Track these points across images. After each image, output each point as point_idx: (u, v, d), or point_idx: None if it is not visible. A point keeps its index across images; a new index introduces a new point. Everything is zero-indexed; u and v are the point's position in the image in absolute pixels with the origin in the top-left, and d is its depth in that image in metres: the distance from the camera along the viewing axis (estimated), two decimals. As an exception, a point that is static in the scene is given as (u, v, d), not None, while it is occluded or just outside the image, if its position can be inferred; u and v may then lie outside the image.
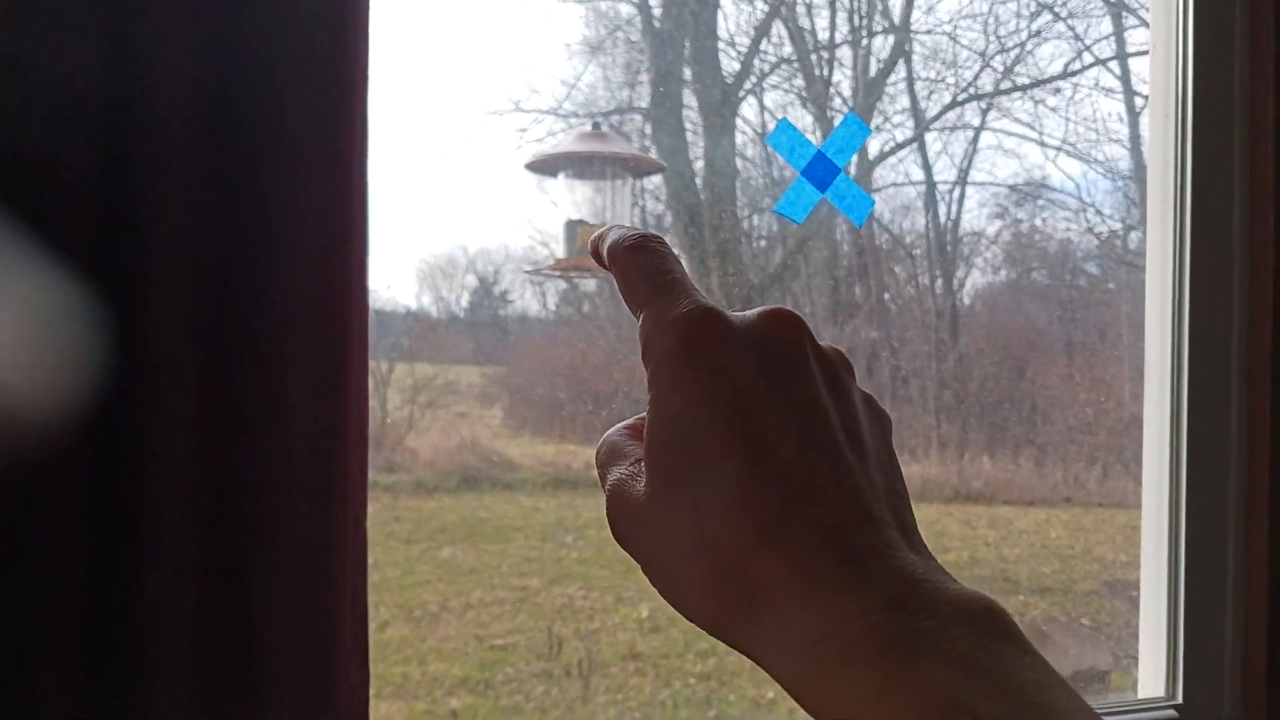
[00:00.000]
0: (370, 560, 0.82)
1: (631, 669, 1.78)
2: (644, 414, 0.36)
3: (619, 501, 0.31)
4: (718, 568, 0.28)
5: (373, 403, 0.81)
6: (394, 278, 1.75)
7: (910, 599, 0.26)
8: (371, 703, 0.81)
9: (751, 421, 0.29)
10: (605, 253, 0.36)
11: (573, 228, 1.50)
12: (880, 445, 0.32)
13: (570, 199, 1.51)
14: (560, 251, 1.55)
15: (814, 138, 1.03)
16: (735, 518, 0.28)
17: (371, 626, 0.81)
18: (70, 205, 0.69)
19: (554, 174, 1.53)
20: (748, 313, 0.31)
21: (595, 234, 0.37)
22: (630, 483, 0.31)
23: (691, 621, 0.29)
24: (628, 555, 0.32)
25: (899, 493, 0.31)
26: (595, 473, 0.35)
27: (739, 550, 0.27)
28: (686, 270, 0.34)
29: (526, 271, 1.72)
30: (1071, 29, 1.74)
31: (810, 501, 0.28)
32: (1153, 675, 1.31)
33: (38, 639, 0.68)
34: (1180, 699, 1.26)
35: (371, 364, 0.80)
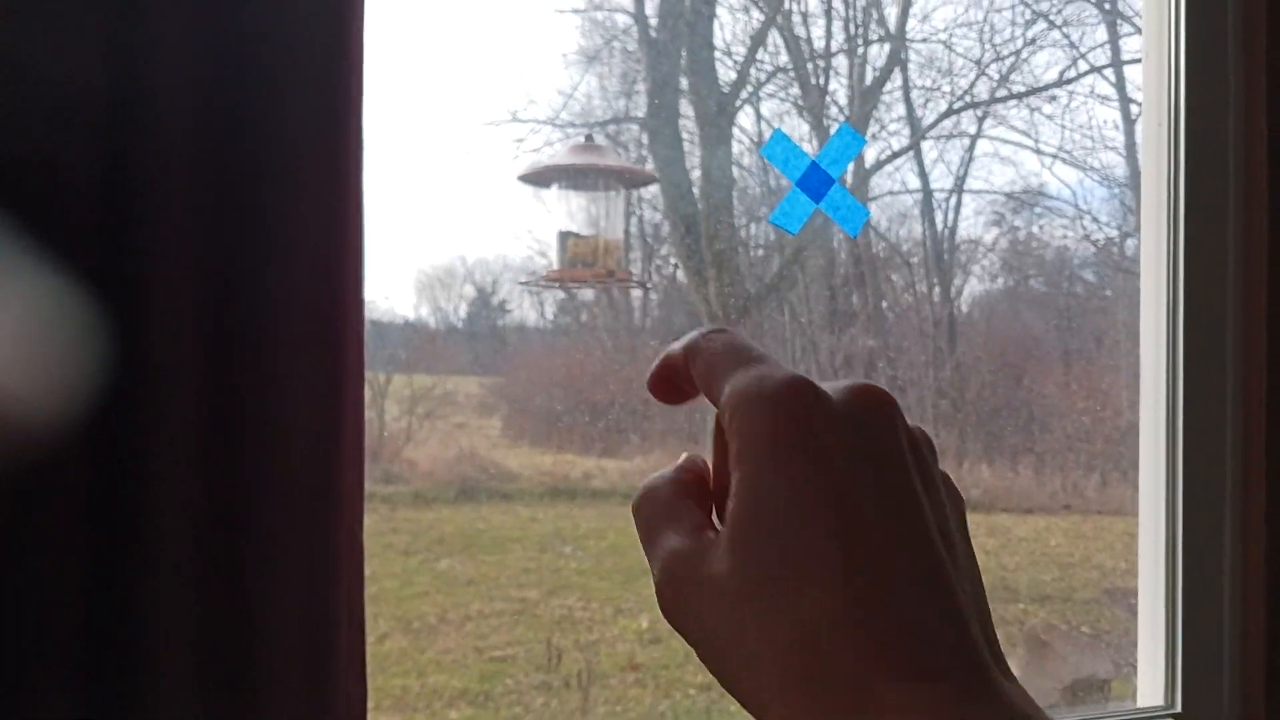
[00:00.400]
0: (368, 572, 0.81)
1: (631, 680, 1.77)
2: (686, 460, 0.35)
3: (681, 576, 0.30)
4: (824, 684, 0.26)
5: (371, 414, 0.81)
6: (392, 289, 1.75)
7: None
8: (371, 715, 0.81)
9: (861, 523, 0.28)
10: (684, 353, 0.33)
11: (564, 239, 1.50)
12: (963, 538, 0.31)
13: (565, 209, 1.51)
14: (557, 260, 1.55)
15: (810, 146, 1.03)
16: (849, 635, 0.26)
17: (370, 639, 0.81)
18: (70, 209, 0.69)
19: (547, 185, 1.53)
20: (838, 385, 0.30)
21: (672, 357, 0.34)
22: (699, 556, 0.29)
23: (759, 717, 0.28)
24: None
25: (982, 597, 0.31)
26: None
27: (851, 668, 0.26)
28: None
29: (522, 283, 1.72)
30: (1066, 37, 1.75)
31: (923, 625, 0.27)
32: (1152, 683, 1.30)
33: (38, 647, 0.68)
34: (1179, 707, 1.26)
35: (370, 375, 0.80)
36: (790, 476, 0.28)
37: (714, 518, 0.32)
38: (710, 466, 0.35)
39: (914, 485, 0.29)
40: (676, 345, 0.35)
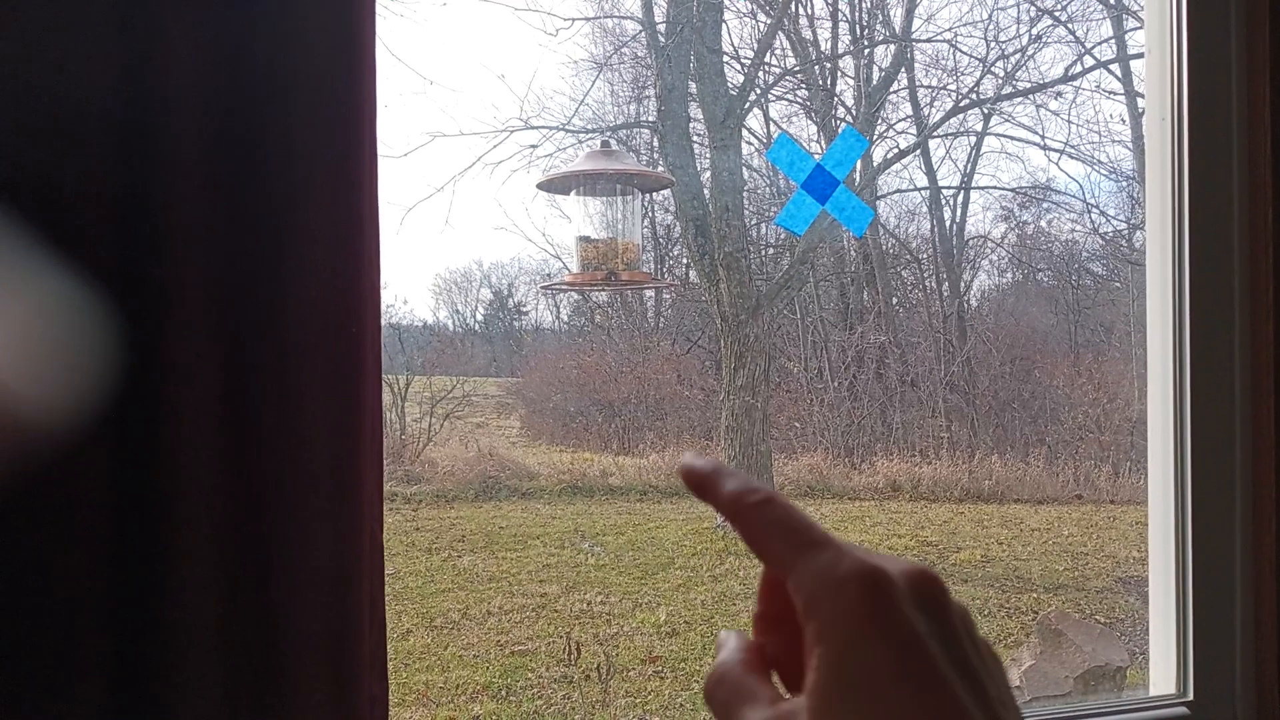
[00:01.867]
0: (392, 570, 0.84)
1: (650, 672, 1.80)
2: (740, 639, 0.39)
3: None
4: None
5: (391, 416, 0.84)
6: (411, 293, 1.78)
7: None
8: (395, 710, 0.83)
9: (938, 695, 0.30)
10: (722, 503, 0.37)
11: (583, 244, 1.52)
12: (1005, 693, 0.33)
13: (583, 213, 1.53)
14: (573, 265, 1.57)
15: (818, 147, 1.06)
16: None
17: (394, 635, 0.84)
18: (88, 228, 0.70)
19: (565, 192, 1.55)
20: (897, 568, 0.32)
21: (695, 470, 0.39)
22: None
23: None
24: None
25: None
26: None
27: None
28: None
29: (543, 288, 1.75)
30: (1072, 33, 1.76)
31: None
32: (1164, 672, 1.32)
33: (64, 648, 0.70)
34: (1192, 695, 1.27)
35: (390, 378, 0.82)
36: (871, 655, 0.30)
37: (780, 687, 0.37)
38: (759, 629, 0.37)
39: (975, 664, 0.32)
40: (702, 467, 0.38)
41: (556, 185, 1.58)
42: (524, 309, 1.89)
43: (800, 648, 0.32)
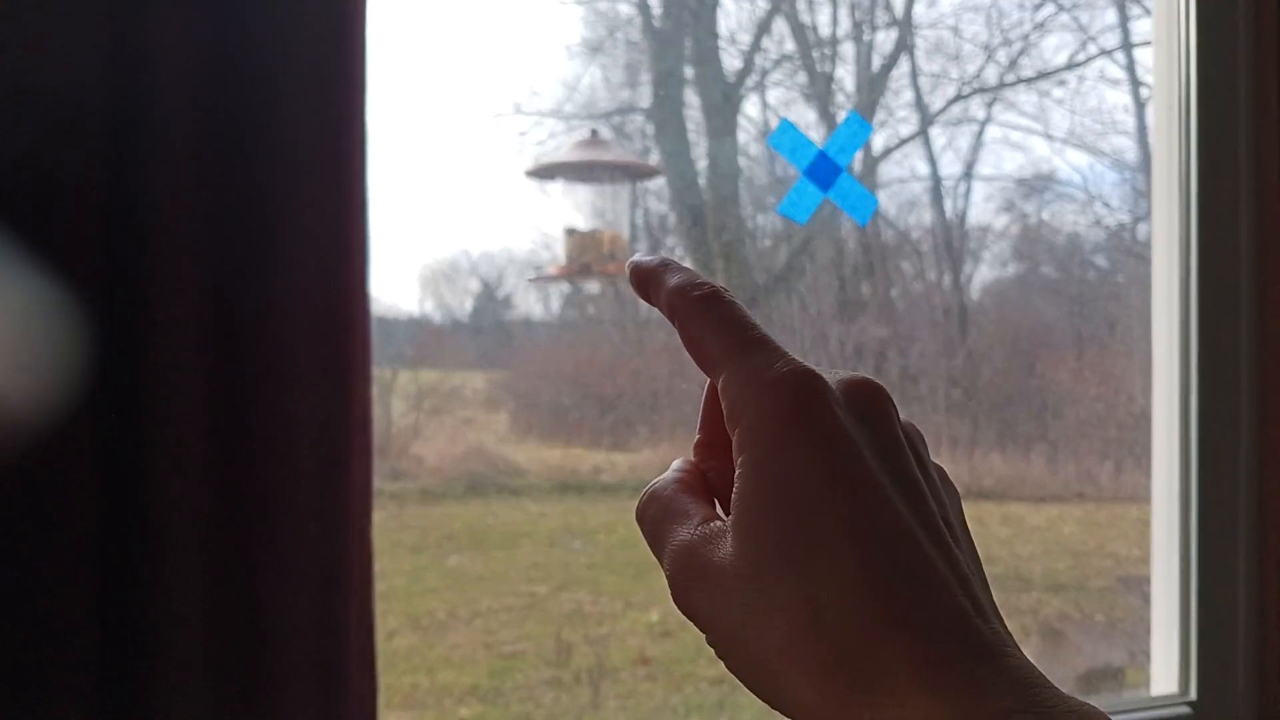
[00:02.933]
0: (377, 569, 0.81)
1: (642, 674, 1.76)
2: (682, 462, 0.35)
3: (692, 566, 0.30)
4: (833, 653, 0.26)
5: (377, 410, 0.80)
6: (397, 284, 1.74)
7: (1038, 702, 0.25)
8: (381, 713, 0.81)
9: (870, 501, 0.28)
10: (664, 298, 0.34)
11: (570, 235, 1.50)
12: (963, 528, 0.31)
13: (571, 203, 1.50)
14: (563, 255, 1.54)
15: (817, 135, 1.02)
16: (859, 602, 0.26)
17: (379, 636, 0.80)
18: (74, 217, 0.68)
19: (552, 179, 1.52)
20: (835, 376, 0.31)
21: (640, 266, 0.35)
22: (705, 547, 0.30)
23: (779, 708, 0.28)
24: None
25: (985, 580, 0.31)
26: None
27: (861, 637, 0.26)
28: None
29: (530, 280, 1.71)
30: (1075, 20, 1.73)
31: (932, 590, 0.27)
32: (1166, 672, 1.29)
33: (50, 651, 0.67)
34: (1194, 695, 1.25)
35: (376, 371, 0.79)
36: (795, 460, 0.28)
37: (718, 509, 0.33)
38: (701, 443, 0.36)
39: (916, 473, 0.30)
40: (648, 262, 0.35)
41: (545, 173, 1.55)
42: (513, 301, 1.84)
43: None
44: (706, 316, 0.32)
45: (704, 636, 0.30)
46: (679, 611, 0.31)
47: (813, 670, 0.27)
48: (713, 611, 0.29)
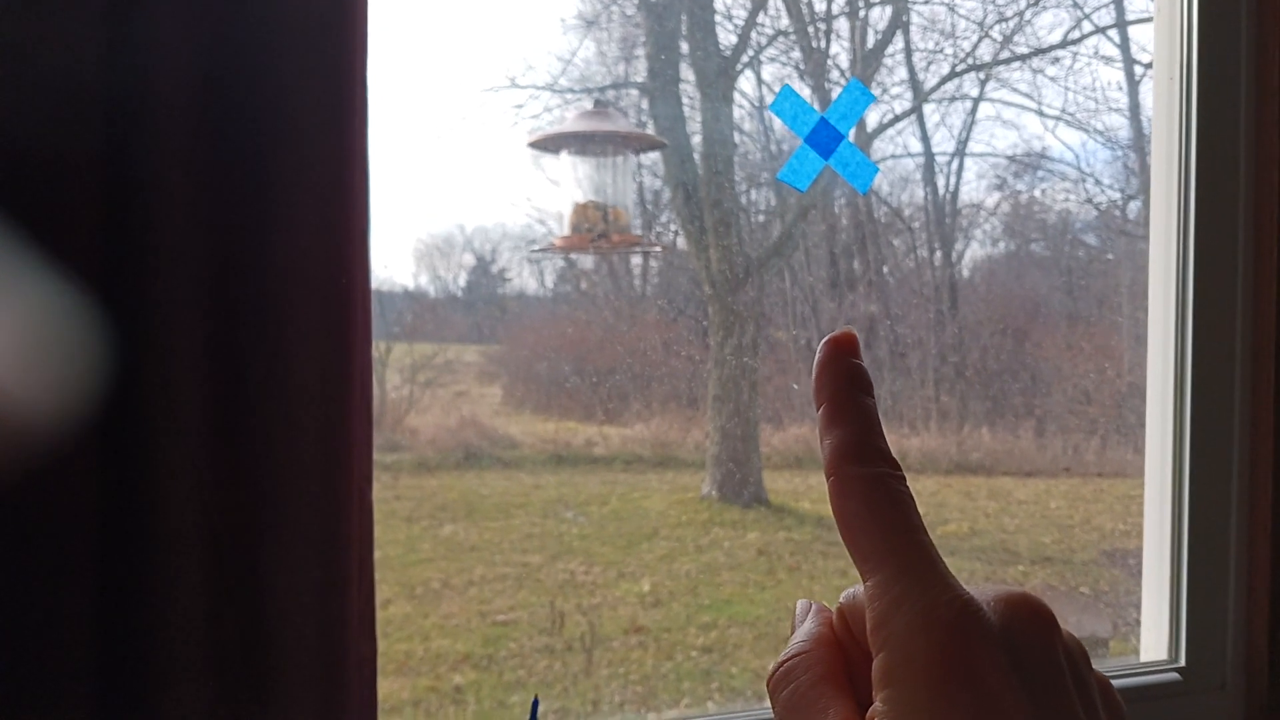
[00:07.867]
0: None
1: (634, 642, 1.78)
2: (820, 621, 0.34)
3: None
4: None
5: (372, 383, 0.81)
6: (391, 258, 1.74)
7: None
8: (377, 679, 0.82)
9: None
10: (826, 452, 0.32)
11: (575, 206, 1.49)
12: None
13: (573, 176, 1.50)
14: (558, 228, 1.54)
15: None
16: None
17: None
18: (73, 196, 0.69)
19: (556, 151, 1.52)
20: (993, 594, 0.29)
21: (825, 389, 0.33)
22: None
23: None
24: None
25: None
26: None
27: None
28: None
29: (534, 252, 1.71)
30: (1070, -4, 1.73)
31: None
32: (1155, 638, 1.31)
33: (49, 608, 0.68)
34: (1183, 661, 1.27)
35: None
36: (943, 708, 0.27)
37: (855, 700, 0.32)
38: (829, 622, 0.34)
39: (1076, 710, 0.29)
40: (832, 380, 0.34)
41: (547, 145, 1.54)
42: (507, 275, 1.85)
43: None
44: (868, 502, 0.31)
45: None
46: None
47: None
48: None
